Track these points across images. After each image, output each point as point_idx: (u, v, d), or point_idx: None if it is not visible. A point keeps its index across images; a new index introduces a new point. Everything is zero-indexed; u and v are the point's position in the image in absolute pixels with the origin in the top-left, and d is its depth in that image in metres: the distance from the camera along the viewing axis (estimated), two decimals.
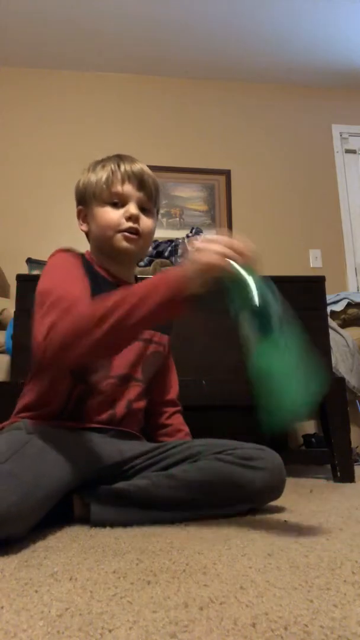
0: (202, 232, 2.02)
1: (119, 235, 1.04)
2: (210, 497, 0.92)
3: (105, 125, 3.32)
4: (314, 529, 0.82)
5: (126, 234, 1.03)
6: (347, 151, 3.53)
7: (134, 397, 1.06)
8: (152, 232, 1.10)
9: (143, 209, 1.06)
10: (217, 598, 0.50)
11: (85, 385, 0.99)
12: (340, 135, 3.53)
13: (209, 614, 0.46)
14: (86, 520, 0.89)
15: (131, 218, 1.03)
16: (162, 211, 3.21)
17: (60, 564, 0.64)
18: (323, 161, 3.47)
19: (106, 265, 1.09)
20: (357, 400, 2.20)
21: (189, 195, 3.28)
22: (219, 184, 3.32)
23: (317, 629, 0.42)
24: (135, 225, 1.04)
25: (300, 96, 3.55)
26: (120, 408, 1.04)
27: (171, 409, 1.21)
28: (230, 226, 3.26)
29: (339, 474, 1.47)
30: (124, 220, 1.04)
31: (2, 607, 0.49)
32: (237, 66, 3.37)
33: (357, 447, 2.09)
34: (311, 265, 3.26)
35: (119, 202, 1.05)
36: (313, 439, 2.09)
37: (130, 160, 1.10)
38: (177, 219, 3.24)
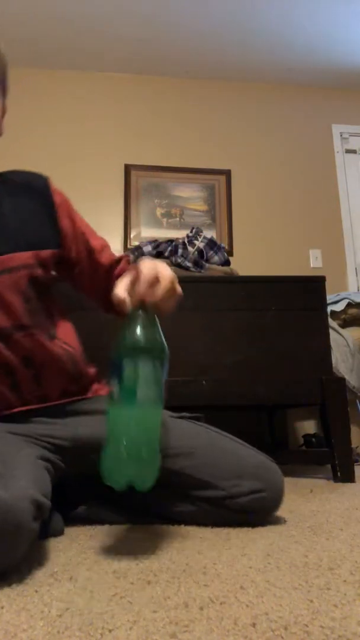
0: (202, 231, 2.02)
1: None
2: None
3: (105, 125, 3.32)
4: (314, 529, 0.82)
5: None
6: (347, 151, 3.53)
7: (32, 346, 0.86)
8: None
9: None
10: (217, 598, 0.50)
11: None
12: (341, 135, 3.53)
13: (209, 614, 0.46)
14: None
15: None
16: (162, 211, 3.22)
17: (60, 564, 0.64)
18: (323, 161, 3.47)
19: None
20: (357, 400, 2.20)
21: (189, 195, 3.28)
22: (219, 184, 3.32)
23: (317, 629, 0.42)
24: None
25: (300, 96, 3.55)
26: (21, 371, 0.85)
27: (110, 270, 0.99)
28: (230, 226, 3.26)
29: (339, 474, 1.47)
30: None
31: (2, 607, 0.49)
32: (237, 66, 3.37)
33: (357, 447, 2.09)
34: (311, 265, 3.26)
35: None
36: (313, 439, 2.09)
37: None
38: (177, 219, 3.24)
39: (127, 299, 0.71)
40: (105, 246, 1.01)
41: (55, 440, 0.85)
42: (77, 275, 1.00)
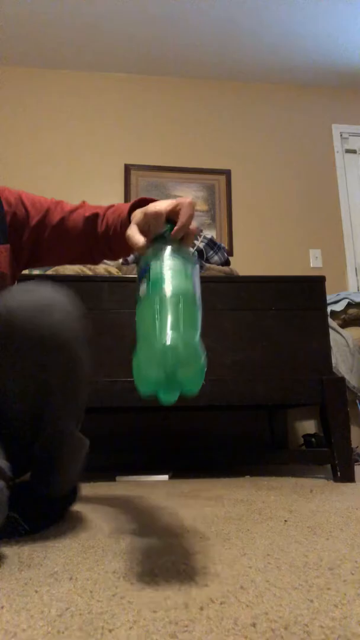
0: (202, 231, 2.02)
1: None
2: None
3: (105, 125, 3.32)
4: (314, 529, 0.82)
5: None
6: (347, 151, 3.53)
7: None
8: None
9: None
10: (217, 598, 0.50)
11: None
12: (341, 135, 3.53)
13: (209, 614, 0.46)
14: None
15: None
16: None
17: (60, 564, 0.64)
18: (323, 161, 3.48)
19: None
20: (357, 400, 2.20)
21: (189, 195, 3.28)
22: (219, 184, 3.32)
23: (317, 629, 0.42)
24: None
25: (300, 96, 3.55)
26: None
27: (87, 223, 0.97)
28: (230, 226, 3.26)
29: (339, 474, 1.47)
30: None
31: (2, 607, 0.49)
32: (237, 66, 3.37)
33: (357, 447, 2.09)
34: (311, 265, 3.26)
35: None
36: (313, 439, 2.09)
37: None
38: None
39: (144, 242, 0.68)
40: (68, 211, 0.98)
41: None
42: (47, 253, 1.01)
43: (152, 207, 0.70)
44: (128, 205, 0.88)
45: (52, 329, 0.70)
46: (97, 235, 0.96)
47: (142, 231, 0.70)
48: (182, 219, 0.69)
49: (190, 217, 0.69)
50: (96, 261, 1.03)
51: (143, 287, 0.60)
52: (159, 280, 0.59)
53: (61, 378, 0.74)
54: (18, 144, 3.21)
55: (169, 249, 0.65)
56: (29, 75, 3.33)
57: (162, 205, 0.70)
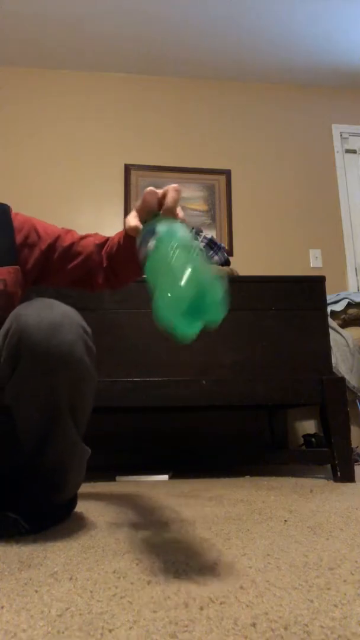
0: (202, 231, 2.02)
1: None
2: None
3: (105, 125, 3.32)
4: (314, 529, 0.82)
5: None
6: (347, 151, 3.53)
7: None
8: None
9: None
10: (217, 598, 0.50)
11: None
12: (341, 135, 3.53)
13: (209, 614, 0.46)
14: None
15: None
16: None
17: (60, 564, 0.64)
18: (323, 161, 3.47)
19: None
20: (357, 400, 2.20)
21: (189, 195, 3.28)
22: (219, 184, 3.32)
23: (317, 629, 0.42)
24: None
25: (300, 96, 3.55)
26: None
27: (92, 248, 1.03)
28: (230, 226, 3.26)
29: (339, 474, 1.47)
30: None
31: (2, 607, 0.49)
32: (237, 66, 3.37)
33: (357, 447, 2.09)
34: (311, 265, 3.26)
35: None
36: (313, 439, 2.09)
37: None
38: None
39: (138, 224, 0.71)
40: (78, 238, 1.05)
41: None
42: (53, 275, 1.05)
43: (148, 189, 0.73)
44: None
45: (61, 351, 0.72)
46: (101, 258, 1.01)
47: (141, 217, 0.72)
48: (167, 203, 0.70)
49: (175, 201, 0.71)
50: (96, 287, 1.06)
51: (152, 243, 0.63)
52: (169, 233, 0.63)
53: (70, 399, 0.76)
54: (18, 144, 3.21)
55: (164, 219, 0.69)
56: (29, 75, 3.32)
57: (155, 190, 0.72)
